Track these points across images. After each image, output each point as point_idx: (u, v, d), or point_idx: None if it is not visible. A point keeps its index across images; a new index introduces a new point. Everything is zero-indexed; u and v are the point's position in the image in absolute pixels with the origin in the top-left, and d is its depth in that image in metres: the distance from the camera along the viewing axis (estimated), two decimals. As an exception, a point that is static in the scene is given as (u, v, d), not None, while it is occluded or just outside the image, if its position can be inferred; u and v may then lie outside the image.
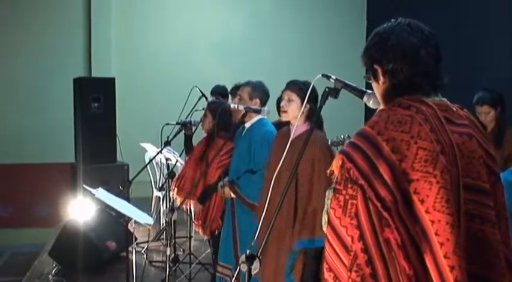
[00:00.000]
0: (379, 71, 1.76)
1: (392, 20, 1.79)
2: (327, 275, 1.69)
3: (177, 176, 4.98)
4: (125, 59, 9.64)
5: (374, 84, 1.82)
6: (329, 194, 1.80)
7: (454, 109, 1.73)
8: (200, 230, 4.90)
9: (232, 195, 4.03)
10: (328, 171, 1.74)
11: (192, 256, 5.54)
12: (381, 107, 1.83)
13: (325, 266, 1.69)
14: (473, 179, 1.63)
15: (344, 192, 1.60)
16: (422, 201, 1.53)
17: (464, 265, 1.53)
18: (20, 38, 9.24)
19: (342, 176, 1.62)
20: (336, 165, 1.65)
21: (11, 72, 9.20)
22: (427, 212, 1.52)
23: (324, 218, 1.79)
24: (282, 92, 3.62)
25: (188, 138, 5.23)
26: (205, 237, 4.88)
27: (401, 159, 1.54)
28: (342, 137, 3.63)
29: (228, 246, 4.12)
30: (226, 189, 4.07)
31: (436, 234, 1.52)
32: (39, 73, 9.22)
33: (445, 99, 1.75)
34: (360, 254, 1.55)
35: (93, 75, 9.30)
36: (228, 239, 4.13)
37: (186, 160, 5.09)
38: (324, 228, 1.73)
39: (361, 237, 1.55)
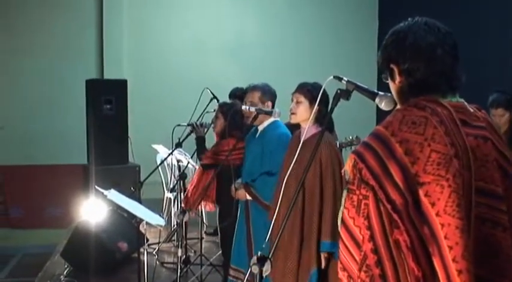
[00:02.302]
0: (396, 70, 1.74)
1: (409, 18, 1.78)
2: (341, 275, 1.69)
3: (188, 189, 5.06)
4: (137, 60, 9.68)
5: (390, 84, 1.81)
6: (345, 193, 1.80)
7: (472, 110, 1.70)
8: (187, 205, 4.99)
9: (248, 197, 4.02)
10: (342, 171, 1.74)
11: (203, 257, 5.54)
12: (397, 107, 1.82)
13: (339, 265, 1.69)
14: (486, 183, 1.61)
15: (357, 192, 1.60)
16: (433, 204, 1.52)
17: (473, 269, 1.52)
18: (32, 40, 9.30)
19: (354, 176, 1.61)
20: (349, 165, 1.64)
21: (23, 74, 9.26)
22: (437, 215, 1.51)
23: (341, 217, 1.78)
24: (292, 94, 3.62)
25: (200, 141, 5.23)
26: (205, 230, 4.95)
27: (414, 161, 1.53)
28: (351, 138, 3.62)
29: (241, 249, 4.10)
30: (241, 191, 4.05)
31: (446, 237, 1.51)
32: (51, 75, 9.28)
33: (463, 100, 1.73)
34: (370, 254, 1.54)
35: (105, 77, 9.34)
36: (241, 242, 4.12)
37: (197, 172, 5.14)
38: (339, 228, 1.73)
39: (372, 237, 1.54)
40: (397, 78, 1.75)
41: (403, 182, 1.52)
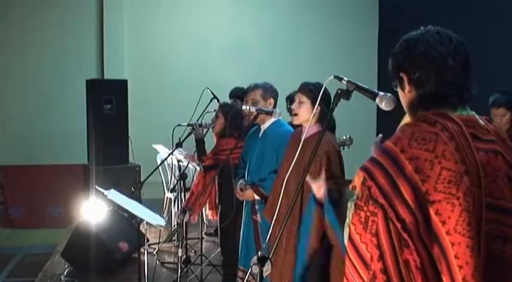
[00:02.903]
0: (405, 79, 1.71)
1: (421, 27, 1.75)
2: None
3: (188, 198, 5.06)
4: (137, 60, 9.68)
5: (400, 93, 1.78)
6: (351, 205, 1.77)
7: (482, 123, 1.67)
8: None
9: (256, 197, 4.01)
10: (349, 186, 1.72)
11: (203, 257, 5.54)
12: (406, 118, 1.80)
13: (344, 281, 1.66)
14: (497, 199, 1.59)
15: (365, 208, 1.57)
16: (443, 223, 1.50)
17: None
18: (32, 40, 9.31)
19: (363, 192, 1.59)
20: (357, 181, 1.62)
21: (24, 74, 9.27)
22: (447, 233, 1.49)
23: (346, 232, 1.75)
24: (294, 94, 3.62)
25: (199, 143, 5.22)
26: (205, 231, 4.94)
27: (424, 179, 1.51)
28: (344, 138, 3.60)
29: (250, 250, 4.08)
30: (249, 192, 4.04)
31: (456, 256, 1.49)
32: (51, 75, 9.29)
33: (473, 113, 1.70)
34: (379, 274, 1.53)
35: (105, 77, 9.34)
36: (249, 242, 4.10)
37: (198, 176, 5.12)
38: (345, 242, 1.71)
39: (381, 257, 1.53)
40: (407, 88, 1.72)
41: (414, 201, 1.50)
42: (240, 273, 4.19)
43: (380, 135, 1.96)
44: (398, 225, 1.50)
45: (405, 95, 1.75)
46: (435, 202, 1.50)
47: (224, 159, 4.29)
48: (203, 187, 5.00)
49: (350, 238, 1.63)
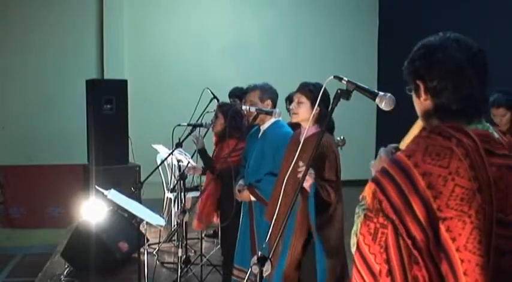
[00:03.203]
0: (422, 87, 1.68)
1: (440, 33, 1.71)
2: None
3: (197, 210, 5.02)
4: (137, 60, 9.69)
5: (415, 99, 1.74)
6: (358, 211, 1.74)
7: (497, 136, 1.65)
8: (195, 224, 4.94)
9: (252, 198, 4.02)
10: (360, 197, 1.71)
11: (203, 257, 5.54)
12: (420, 122, 1.78)
13: None
14: (507, 215, 1.57)
15: (375, 220, 1.55)
16: (454, 240, 1.48)
17: None
18: (32, 40, 9.32)
19: (373, 205, 1.57)
20: (368, 192, 1.60)
21: (24, 74, 9.28)
22: (457, 250, 1.48)
23: (353, 240, 1.73)
24: (293, 94, 3.61)
25: (202, 153, 5.15)
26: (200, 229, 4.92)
27: (437, 195, 1.49)
28: (338, 139, 3.60)
29: (245, 249, 4.10)
30: (245, 193, 4.05)
31: (465, 274, 1.48)
32: (51, 75, 9.30)
33: (488, 125, 1.67)
34: None
35: (105, 77, 9.36)
36: (245, 242, 4.12)
37: (210, 184, 5.05)
38: (353, 250, 1.69)
39: (390, 272, 1.51)
40: (423, 96, 1.69)
41: (425, 218, 1.48)
42: (235, 271, 4.20)
43: (393, 145, 1.93)
44: (409, 242, 1.48)
45: (420, 103, 1.72)
46: (446, 219, 1.49)
47: (236, 160, 4.31)
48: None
49: (358, 248, 1.61)
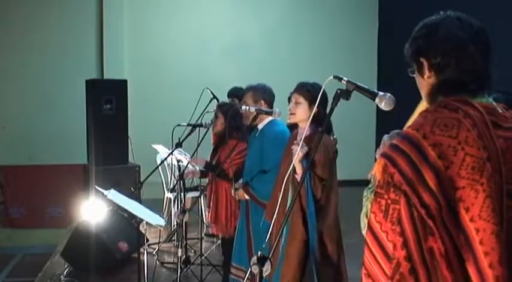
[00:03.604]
0: (425, 64, 1.68)
1: (441, 12, 1.74)
2: (365, 281, 1.64)
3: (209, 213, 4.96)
4: (137, 60, 9.70)
5: (418, 79, 1.75)
6: (367, 194, 1.74)
7: (501, 111, 1.66)
8: (219, 232, 4.90)
9: (246, 197, 4.03)
10: (368, 175, 1.70)
11: (203, 257, 5.54)
12: (423, 103, 1.77)
13: (363, 271, 1.63)
14: None
15: (386, 196, 1.54)
16: (467, 210, 1.48)
17: (509, 275, 1.49)
18: (32, 40, 9.33)
19: (384, 180, 1.56)
20: (377, 168, 1.59)
21: (23, 74, 9.28)
22: (471, 220, 1.48)
23: (364, 222, 1.72)
24: (291, 94, 3.60)
25: (208, 166, 5.08)
26: (220, 237, 4.87)
27: (448, 165, 1.49)
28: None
29: (242, 247, 4.12)
30: (240, 192, 4.07)
31: (481, 243, 1.47)
32: (51, 75, 9.30)
33: (492, 100, 1.68)
34: (403, 262, 1.49)
35: (105, 77, 9.36)
36: (242, 240, 4.13)
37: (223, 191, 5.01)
38: (364, 231, 1.68)
39: (405, 244, 1.50)
40: (426, 73, 1.69)
41: (437, 187, 1.48)
42: (232, 270, 4.21)
43: (396, 131, 1.93)
44: (423, 212, 1.47)
45: (424, 81, 1.72)
46: (459, 188, 1.49)
47: (241, 162, 4.31)
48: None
49: (369, 227, 1.59)
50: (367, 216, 1.69)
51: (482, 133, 1.53)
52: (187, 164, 5.25)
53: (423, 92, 1.76)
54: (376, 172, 1.61)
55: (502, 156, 1.55)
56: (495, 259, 1.47)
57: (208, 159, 5.11)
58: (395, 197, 1.52)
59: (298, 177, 3.25)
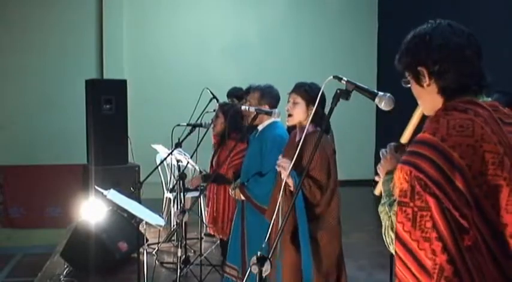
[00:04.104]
0: (425, 72, 1.70)
1: (430, 21, 1.75)
2: None
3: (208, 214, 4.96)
4: (137, 60, 9.69)
5: (416, 88, 1.76)
6: (384, 209, 1.74)
7: (501, 108, 1.69)
8: (217, 233, 4.90)
9: (242, 197, 4.03)
10: (376, 191, 1.69)
11: (202, 257, 5.54)
12: (419, 110, 1.79)
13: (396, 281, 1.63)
14: None
15: (411, 204, 1.54)
16: (493, 205, 1.50)
17: None
18: (31, 40, 9.33)
19: (409, 187, 1.55)
20: (399, 177, 1.58)
21: (23, 74, 9.28)
22: (498, 215, 1.50)
23: (390, 236, 1.71)
24: (289, 94, 3.59)
25: (208, 178, 5.08)
26: (223, 238, 4.86)
27: (470, 164, 1.50)
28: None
29: (236, 247, 4.12)
30: (237, 191, 4.08)
31: (511, 236, 1.49)
32: (51, 75, 9.30)
33: (490, 99, 1.71)
34: (447, 265, 1.49)
35: (105, 77, 9.36)
36: (236, 240, 4.14)
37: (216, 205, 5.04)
38: (391, 248, 1.67)
39: (445, 248, 1.49)
40: (426, 81, 1.70)
41: (465, 187, 1.49)
42: (226, 269, 4.22)
43: (393, 143, 1.93)
44: (457, 214, 1.48)
45: (424, 89, 1.73)
46: (483, 185, 1.50)
47: (240, 162, 4.31)
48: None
49: (398, 238, 1.58)
50: (392, 229, 1.69)
51: (495, 129, 1.56)
52: (187, 164, 5.26)
53: (423, 100, 1.77)
54: (396, 182, 1.60)
55: None
56: None
57: (210, 160, 5.12)
58: (422, 203, 1.52)
59: (292, 187, 3.25)
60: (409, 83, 1.78)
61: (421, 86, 1.73)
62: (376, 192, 1.79)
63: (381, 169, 1.87)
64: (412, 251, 1.55)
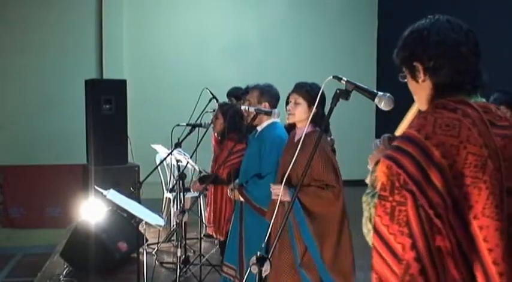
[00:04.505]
0: (420, 68, 1.70)
1: (429, 16, 1.75)
2: None
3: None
4: (136, 60, 9.69)
5: (411, 83, 1.76)
6: (367, 199, 1.75)
7: (493, 110, 1.68)
8: (214, 233, 4.90)
9: (241, 198, 4.03)
10: (367, 179, 1.70)
11: (202, 257, 5.54)
12: (415, 106, 1.79)
13: (373, 276, 1.62)
14: None
15: (391, 198, 1.54)
16: (471, 207, 1.50)
17: (510, 271, 1.50)
18: (31, 40, 9.32)
19: (388, 182, 1.56)
20: (380, 170, 1.59)
21: (23, 74, 9.27)
22: (475, 218, 1.50)
23: (366, 227, 1.72)
24: (289, 94, 3.59)
25: (206, 179, 5.07)
26: (221, 239, 4.86)
27: (452, 164, 1.50)
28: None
29: (234, 247, 4.13)
30: (236, 192, 4.07)
31: (485, 240, 1.49)
32: (50, 75, 9.29)
33: (484, 100, 1.71)
34: (413, 263, 1.50)
35: (104, 77, 9.35)
36: (234, 240, 4.14)
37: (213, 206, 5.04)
38: (368, 237, 1.68)
39: (414, 246, 1.50)
40: (421, 77, 1.71)
41: (443, 186, 1.49)
42: (224, 268, 4.23)
43: (386, 134, 1.94)
44: (431, 212, 1.48)
45: (419, 85, 1.73)
46: (463, 187, 1.50)
47: (237, 162, 4.31)
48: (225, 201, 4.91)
49: (376, 231, 1.59)
50: (370, 221, 1.69)
51: (482, 132, 1.55)
52: (186, 164, 5.26)
53: (418, 96, 1.77)
54: (378, 175, 1.61)
55: (501, 154, 1.57)
56: (499, 256, 1.49)
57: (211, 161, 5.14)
58: (401, 198, 1.52)
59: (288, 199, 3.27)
60: (405, 78, 1.78)
61: (416, 81, 1.73)
62: (367, 180, 1.80)
63: (372, 159, 1.87)
64: (389, 244, 1.55)
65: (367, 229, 1.72)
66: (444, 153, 1.51)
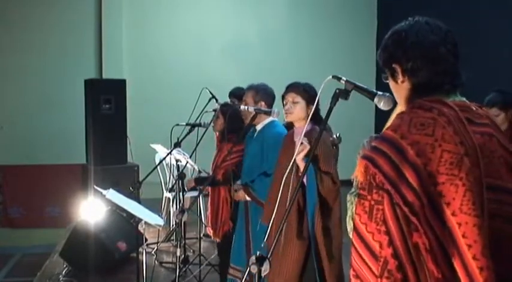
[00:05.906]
0: (398, 69, 1.74)
1: (409, 18, 1.78)
2: None
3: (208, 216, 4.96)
4: (136, 60, 9.69)
5: (392, 84, 1.80)
6: (351, 198, 1.79)
7: (474, 108, 1.71)
8: (212, 234, 4.91)
9: (247, 198, 4.03)
10: (352, 177, 1.73)
11: (201, 257, 5.54)
12: (399, 107, 1.82)
13: (351, 272, 1.66)
14: (495, 179, 1.62)
15: (369, 197, 1.58)
16: (448, 204, 1.52)
17: (493, 266, 1.52)
18: (31, 40, 9.31)
19: (366, 181, 1.59)
20: (359, 170, 1.63)
21: (23, 74, 9.26)
22: (453, 214, 1.51)
23: (350, 224, 1.76)
24: (284, 94, 3.60)
25: (200, 181, 5.07)
26: (217, 240, 4.87)
27: (426, 162, 1.53)
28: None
29: (240, 248, 4.12)
30: (241, 193, 4.07)
31: (464, 236, 1.51)
32: (50, 75, 9.28)
33: (464, 99, 1.74)
34: (391, 259, 1.52)
35: (104, 76, 9.35)
36: (240, 241, 4.14)
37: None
38: (350, 235, 1.71)
39: (391, 242, 1.53)
40: (400, 78, 1.75)
41: (418, 184, 1.51)
42: (230, 270, 4.22)
43: (374, 135, 1.97)
44: (406, 210, 1.51)
45: (399, 86, 1.77)
46: (439, 184, 1.52)
47: (235, 162, 4.32)
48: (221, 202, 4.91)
49: (355, 229, 1.62)
50: (352, 219, 1.71)
51: (458, 129, 1.58)
52: (186, 164, 5.26)
53: (398, 96, 1.81)
54: (358, 174, 1.65)
55: (480, 151, 1.59)
56: (478, 251, 1.50)
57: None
58: (378, 197, 1.56)
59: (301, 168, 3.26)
60: (387, 79, 1.82)
61: (396, 82, 1.77)
62: (351, 177, 1.84)
63: (359, 159, 1.90)
64: (367, 242, 1.58)
65: (349, 227, 1.77)
66: (419, 152, 1.53)
